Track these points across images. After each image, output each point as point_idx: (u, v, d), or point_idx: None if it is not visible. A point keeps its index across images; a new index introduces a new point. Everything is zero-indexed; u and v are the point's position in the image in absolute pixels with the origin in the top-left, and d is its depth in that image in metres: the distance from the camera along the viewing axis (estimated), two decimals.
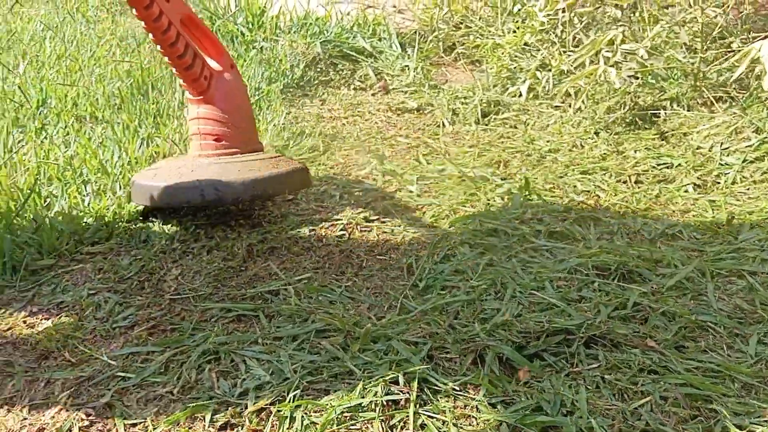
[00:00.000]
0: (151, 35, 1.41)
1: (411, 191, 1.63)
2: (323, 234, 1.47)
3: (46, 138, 1.95)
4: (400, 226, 1.49)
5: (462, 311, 1.12)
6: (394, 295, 1.22)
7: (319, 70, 2.57)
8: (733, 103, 1.94)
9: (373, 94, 2.44)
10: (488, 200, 1.54)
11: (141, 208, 1.57)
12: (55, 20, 2.99)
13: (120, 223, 1.52)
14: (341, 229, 1.49)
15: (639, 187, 1.61)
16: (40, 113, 2.14)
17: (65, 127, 2.02)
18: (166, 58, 1.44)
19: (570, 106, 2.11)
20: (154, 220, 1.55)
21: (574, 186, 1.61)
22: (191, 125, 1.52)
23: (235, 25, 2.64)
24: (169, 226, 1.52)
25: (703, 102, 2.00)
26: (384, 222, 1.52)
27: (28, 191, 1.58)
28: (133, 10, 1.37)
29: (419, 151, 1.90)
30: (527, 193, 1.54)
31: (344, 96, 2.42)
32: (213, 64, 1.51)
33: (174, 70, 1.47)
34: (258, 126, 2.09)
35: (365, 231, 1.49)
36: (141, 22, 1.39)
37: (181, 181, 1.42)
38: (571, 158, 1.76)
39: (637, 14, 2.50)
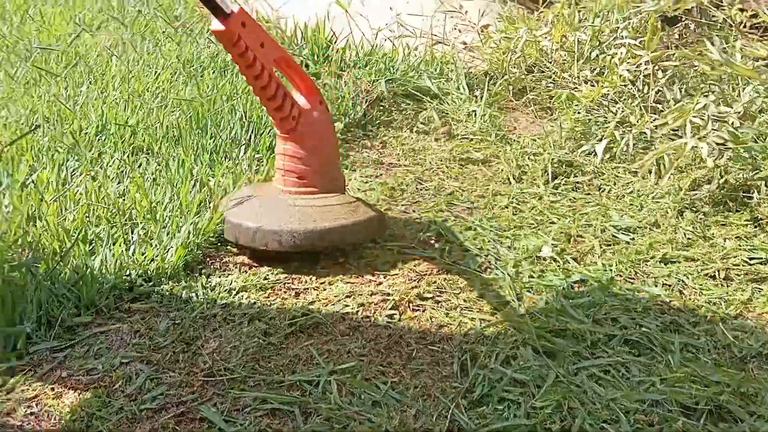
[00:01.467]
0: (244, 77, 1.48)
1: (471, 266, 1.51)
2: (372, 311, 1.36)
3: (101, 168, 1.91)
4: (456, 309, 1.37)
5: None
6: (444, 402, 1.10)
7: (381, 109, 2.47)
8: None
9: (436, 139, 2.33)
10: (558, 288, 1.40)
11: (184, 263, 1.49)
12: (123, 38, 2.99)
13: (163, 278, 1.45)
14: (391, 307, 1.38)
15: (728, 285, 1.44)
16: (98, 139, 2.11)
17: (121, 158, 1.98)
18: (257, 98, 1.54)
19: (649, 172, 1.95)
20: (198, 277, 1.47)
21: (655, 278, 1.46)
22: (277, 159, 1.58)
23: (300, 57, 2.57)
24: (212, 285, 1.44)
25: None
26: (439, 302, 1.40)
27: (74, 233, 1.53)
28: (228, 56, 1.48)
29: (483, 215, 1.77)
30: (606, 287, 1.39)
31: (406, 140, 2.31)
32: (302, 100, 1.56)
33: (265, 108, 1.53)
34: None
35: (417, 311, 1.38)
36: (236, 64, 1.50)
37: (261, 224, 1.47)
38: (651, 240, 1.60)
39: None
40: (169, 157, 1.96)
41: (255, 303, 1.39)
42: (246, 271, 1.51)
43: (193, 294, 1.41)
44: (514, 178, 2.00)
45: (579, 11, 2.64)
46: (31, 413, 1.10)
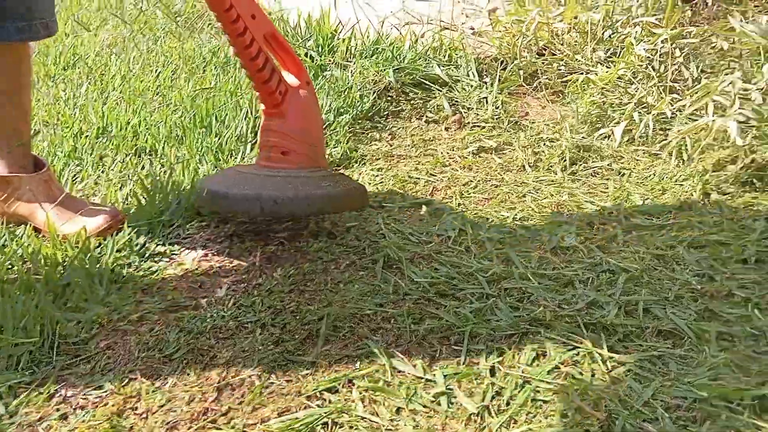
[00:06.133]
0: (233, 48, 1.49)
1: (492, 259, 1.44)
2: (391, 311, 1.30)
3: (103, 172, 1.86)
4: (475, 306, 1.31)
5: None
6: (472, 407, 1.04)
7: (389, 99, 2.40)
8: None
9: (447, 128, 2.26)
10: (585, 279, 1.34)
11: (196, 267, 1.44)
12: (121, 36, 2.93)
13: (169, 285, 1.39)
14: (410, 305, 1.31)
15: (761, 269, 1.37)
16: (99, 142, 2.05)
17: (123, 160, 1.92)
18: (245, 71, 1.52)
19: (670, 155, 1.87)
20: (208, 285, 1.41)
21: (684, 264, 1.39)
22: (262, 135, 1.57)
23: (304, 48, 2.50)
24: (222, 292, 1.38)
25: None
26: (458, 299, 1.34)
27: (77, 242, 1.47)
28: (219, 24, 1.45)
29: (500, 205, 1.70)
30: (634, 276, 1.33)
31: (416, 130, 2.24)
32: (291, 79, 1.56)
33: (252, 82, 1.52)
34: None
35: (439, 309, 1.31)
36: (226, 35, 1.48)
37: (243, 191, 1.46)
38: (677, 225, 1.53)
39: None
40: (173, 159, 1.90)
41: (268, 308, 1.33)
42: (256, 276, 1.45)
43: (203, 300, 1.35)
44: (529, 166, 1.93)
45: None
46: None
